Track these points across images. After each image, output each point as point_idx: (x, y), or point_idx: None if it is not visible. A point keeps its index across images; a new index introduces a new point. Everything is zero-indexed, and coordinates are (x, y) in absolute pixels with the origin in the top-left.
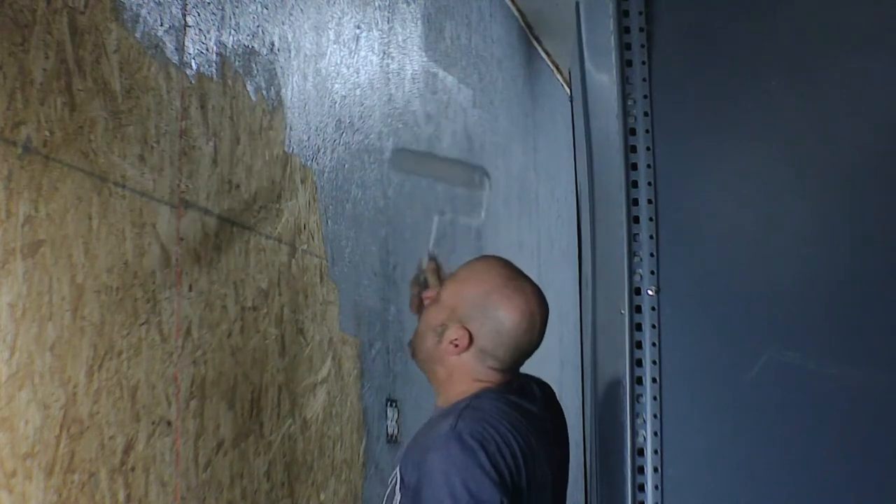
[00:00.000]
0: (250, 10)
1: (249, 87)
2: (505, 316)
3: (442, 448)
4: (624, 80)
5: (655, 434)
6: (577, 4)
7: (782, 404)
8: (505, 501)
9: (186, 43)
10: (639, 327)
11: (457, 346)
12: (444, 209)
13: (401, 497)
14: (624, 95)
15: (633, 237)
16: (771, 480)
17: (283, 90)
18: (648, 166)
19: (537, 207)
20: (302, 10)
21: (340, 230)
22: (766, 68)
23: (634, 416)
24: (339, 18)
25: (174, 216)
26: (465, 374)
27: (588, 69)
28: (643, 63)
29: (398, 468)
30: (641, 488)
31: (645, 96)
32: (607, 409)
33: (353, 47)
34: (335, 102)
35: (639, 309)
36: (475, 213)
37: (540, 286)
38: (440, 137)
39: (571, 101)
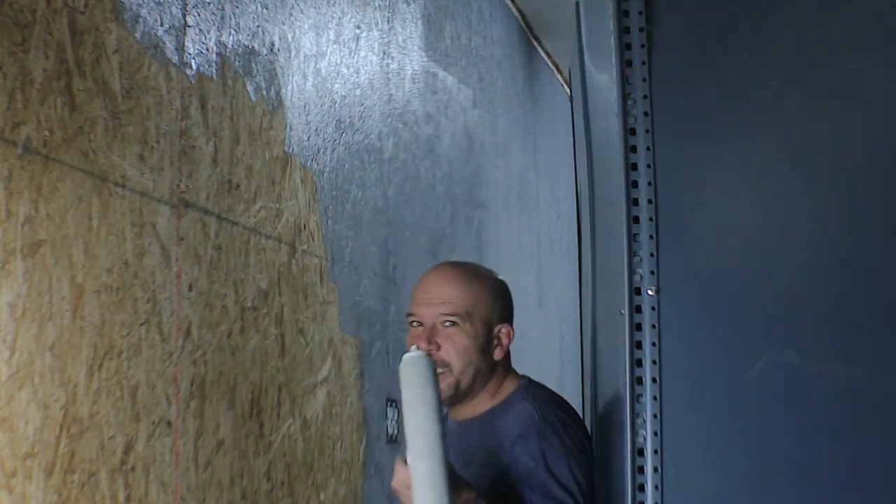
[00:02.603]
0: (250, 10)
1: (249, 87)
2: (507, 288)
3: (542, 436)
4: (624, 80)
5: (655, 434)
6: (577, 4)
7: (782, 404)
8: (584, 484)
9: (186, 43)
10: (639, 327)
11: (504, 343)
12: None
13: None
14: (624, 95)
15: (633, 237)
16: (771, 480)
17: (283, 90)
18: (648, 166)
19: (537, 207)
20: (302, 10)
21: (340, 230)
22: (766, 68)
23: (634, 416)
24: (339, 18)
25: (174, 216)
26: (499, 371)
27: (588, 69)
28: (643, 63)
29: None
30: (641, 488)
31: (645, 96)
32: (607, 408)
33: (353, 47)
34: (335, 102)
35: (639, 309)
36: None
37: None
38: (440, 137)
39: (571, 101)
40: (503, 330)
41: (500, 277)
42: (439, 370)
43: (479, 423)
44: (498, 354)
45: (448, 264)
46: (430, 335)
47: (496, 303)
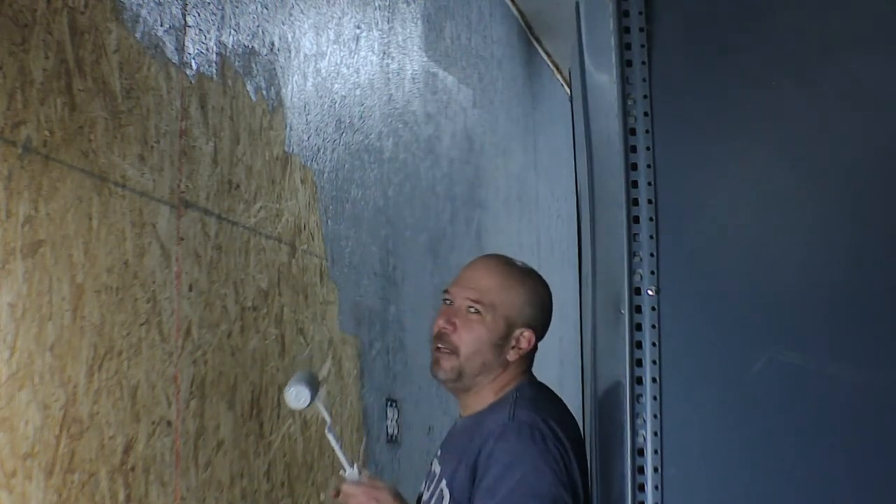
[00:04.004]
0: (250, 10)
1: (249, 87)
2: (547, 298)
3: (502, 439)
4: (624, 80)
5: (655, 434)
6: (577, 4)
7: (782, 404)
8: (564, 493)
9: (186, 43)
10: (639, 327)
11: (522, 347)
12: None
13: (449, 499)
14: (624, 95)
15: (633, 237)
16: (771, 480)
17: (283, 90)
18: (648, 166)
19: (537, 207)
20: (302, 10)
21: (340, 230)
22: (767, 68)
23: (634, 416)
24: (339, 18)
25: (174, 216)
26: (511, 372)
27: (588, 69)
28: (643, 63)
29: (443, 480)
30: (641, 488)
31: (645, 96)
32: (607, 409)
33: (353, 47)
34: (335, 102)
35: (639, 309)
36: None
37: None
38: (440, 137)
39: (571, 101)
40: (524, 334)
41: (546, 286)
42: (446, 350)
43: (473, 421)
44: (512, 356)
45: (498, 257)
46: (451, 315)
47: (527, 306)
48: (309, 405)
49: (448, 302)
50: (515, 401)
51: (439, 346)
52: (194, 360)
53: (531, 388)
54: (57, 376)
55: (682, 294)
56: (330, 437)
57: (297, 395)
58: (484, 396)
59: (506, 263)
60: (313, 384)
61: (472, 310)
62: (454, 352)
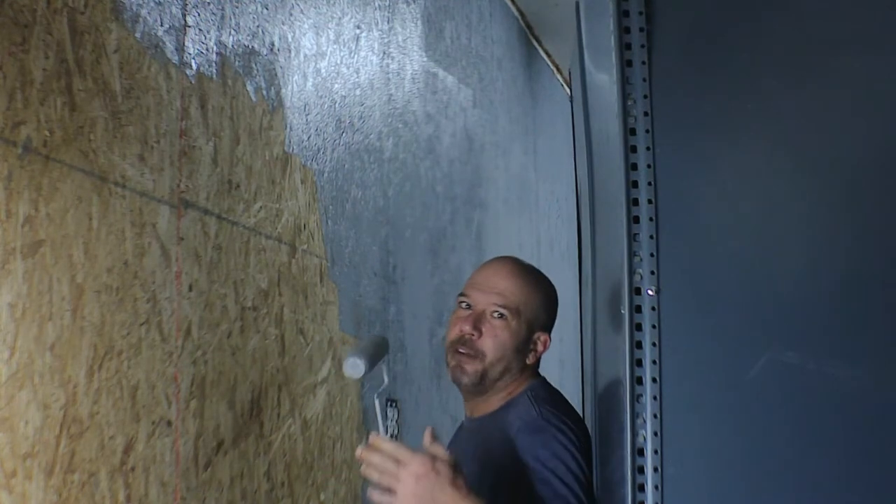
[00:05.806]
0: (250, 10)
1: (249, 87)
2: (556, 300)
3: (535, 435)
4: (624, 80)
5: (655, 434)
6: (577, 4)
7: (782, 404)
8: (582, 482)
9: (186, 43)
10: (639, 327)
11: (539, 351)
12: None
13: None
14: (624, 95)
15: (633, 237)
16: (771, 480)
17: (283, 90)
18: (648, 166)
19: (537, 207)
20: (302, 10)
21: (340, 230)
22: (767, 68)
23: (634, 416)
24: (339, 18)
25: (174, 216)
26: (525, 374)
27: (588, 69)
28: (643, 63)
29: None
30: (641, 488)
31: (645, 96)
32: (607, 409)
33: (353, 47)
34: (335, 102)
35: (639, 309)
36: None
37: None
38: (440, 137)
39: (571, 101)
40: (541, 338)
41: (555, 289)
42: (470, 355)
43: (487, 421)
44: (531, 359)
45: (514, 260)
46: (476, 320)
47: (543, 310)
48: (366, 373)
49: (465, 305)
50: (535, 398)
51: (461, 350)
52: (194, 360)
53: (543, 387)
54: (57, 376)
55: (682, 294)
56: (375, 402)
57: (352, 366)
58: (497, 398)
59: (522, 266)
60: (372, 353)
61: (498, 315)
62: (479, 357)
